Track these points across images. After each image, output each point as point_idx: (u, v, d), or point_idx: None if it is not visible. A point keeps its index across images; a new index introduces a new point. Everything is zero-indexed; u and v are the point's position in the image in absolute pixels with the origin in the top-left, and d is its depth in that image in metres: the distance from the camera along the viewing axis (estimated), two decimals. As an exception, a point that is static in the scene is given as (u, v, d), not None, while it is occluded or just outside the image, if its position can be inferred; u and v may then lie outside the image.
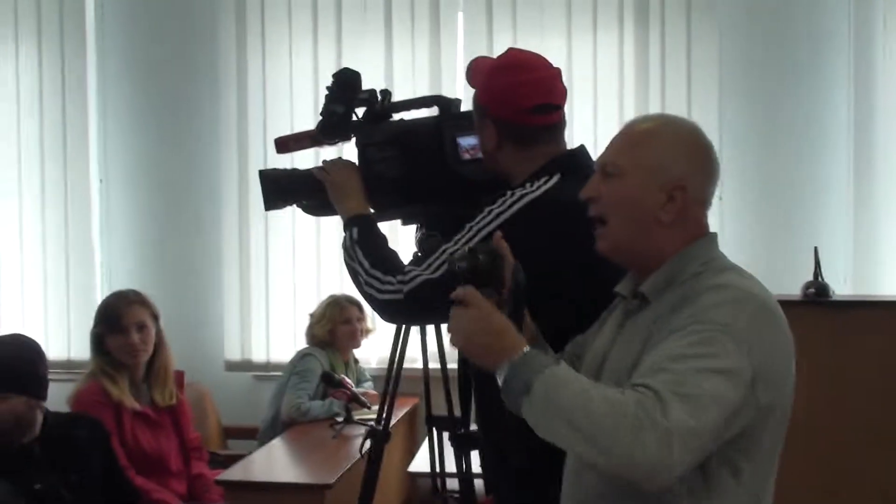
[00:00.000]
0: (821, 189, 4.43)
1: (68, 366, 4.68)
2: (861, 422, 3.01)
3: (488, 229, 1.95)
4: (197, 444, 3.61)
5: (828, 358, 3.00)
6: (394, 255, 2.08)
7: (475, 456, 2.34)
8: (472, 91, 2.09)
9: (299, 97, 4.60)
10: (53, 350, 4.84)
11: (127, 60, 4.91)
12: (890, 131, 4.33)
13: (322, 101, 2.28)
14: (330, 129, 2.27)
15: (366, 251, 2.06)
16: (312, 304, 4.46)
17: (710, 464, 1.42)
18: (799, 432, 2.83)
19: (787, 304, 2.98)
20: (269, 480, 3.20)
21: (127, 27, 4.91)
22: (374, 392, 4.26)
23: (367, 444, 2.59)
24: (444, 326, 2.63)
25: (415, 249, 2.20)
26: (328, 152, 3.50)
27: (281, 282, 4.72)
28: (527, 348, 1.44)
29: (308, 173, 2.28)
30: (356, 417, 3.80)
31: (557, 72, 2.07)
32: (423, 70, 4.63)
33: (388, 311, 2.05)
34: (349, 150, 2.29)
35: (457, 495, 2.66)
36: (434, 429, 2.72)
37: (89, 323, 3.52)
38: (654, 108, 4.44)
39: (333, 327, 4.28)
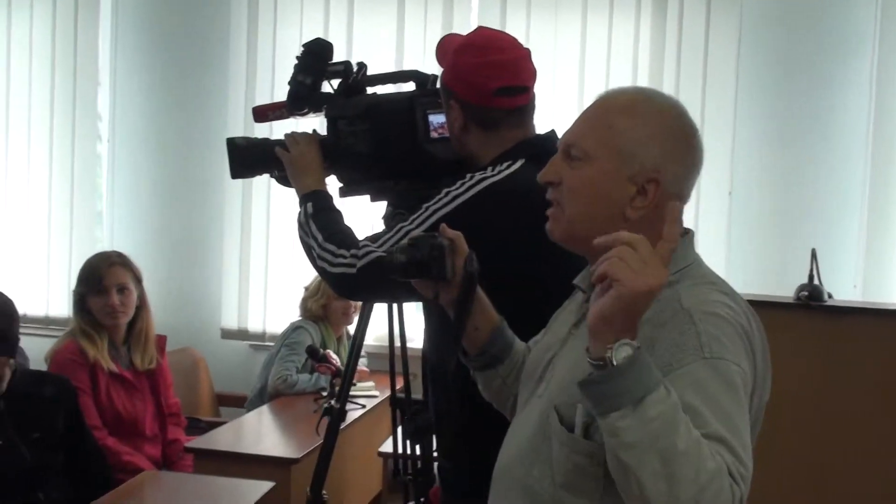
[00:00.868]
0: (834, 191, 4.29)
1: (68, 323, 4.69)
2: (850, 429, 2.90)
3: (444, 211, 1.90)
4: (175, 409, 3.60)
5: (819, 365, 2.90)
6: (348, 230, 2.04)
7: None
8: None
9: (309, 67, 4.54)
10: (55, 307, 4.88)
11: (139, 24, 4.90)
12: (911, 136, 4.18)
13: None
14: (297, 100, 2.22)
15: (320, 225, 2.02)
16: (310, 276, 4.42)
17: None
18: (785, 436, 2.80)
19: (778, 307, 2.93)
20: (236, 451, 3.17)
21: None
22: (365, 369, 4.22)
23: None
24: (406, 306, 2.61)
25: (382, 226, 2.14)
26: (308, 123, 3.45)
27: (281, 252, 4.68)
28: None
29: (275, 144, 2.23)
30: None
31: (526, 52, 1.99)
32: (434, 46, 4.53)
33: (339, 284, 2.00)
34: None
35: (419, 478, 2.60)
36: (398, 410, 2.67)
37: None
38: (667, 98, 4.32)
39: (327, 302, 4.25)
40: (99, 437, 3.16)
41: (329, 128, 2.18)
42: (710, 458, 1.14)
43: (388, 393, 2.86)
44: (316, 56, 2.19)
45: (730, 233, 4.34)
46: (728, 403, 1.22)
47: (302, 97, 2.19)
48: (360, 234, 2.04)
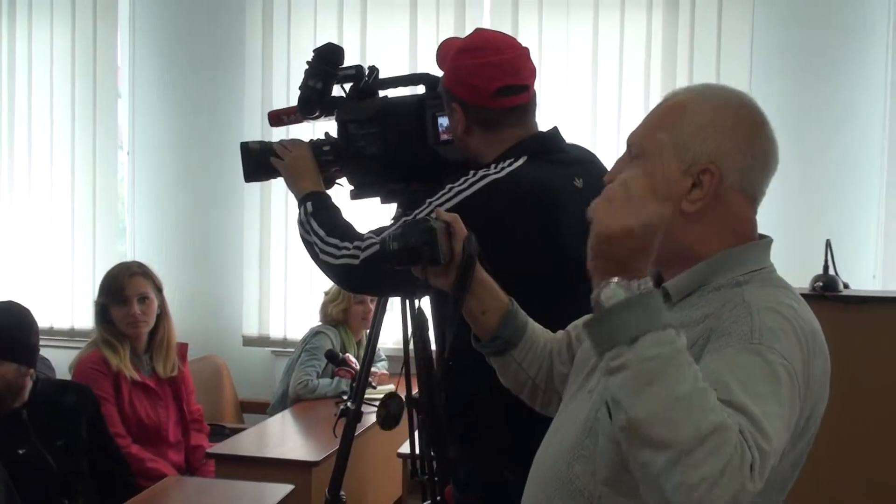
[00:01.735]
0: (852, 182, 4.26)
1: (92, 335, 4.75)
2: (868, 420, 2.88)
3: (446, 206, 1.93)
4: (197, 416, 3.64)
5: (835, 355, 2.88)
6: (349, 224, 2.07)
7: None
8: None
9: (323, 72, 4.58)
10: (80, 319, 4.94)
11: (156, 34, 4.96)
12: (928, 124, 4.14)
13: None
14: (307, 104, 2.25)
15: (320, 222, 2.06)
16: (329, 282, 4.44)
17: None
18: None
19: (793, 297, 2.92)
20: (256, 455, 3.20)
21: (158, 4, 4.95)
22: (385, 372, 4.24)
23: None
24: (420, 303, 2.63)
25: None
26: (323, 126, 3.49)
27: (300, 259, 4.70)
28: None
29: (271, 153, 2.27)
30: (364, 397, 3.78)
31: (525, 51, 2.02)
32: (447, 49, 4.57)
33: (343, 276, 2.03)
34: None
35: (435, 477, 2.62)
36: (414, 411, 2.68)
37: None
38: (681, 93, 4.31)
39: (348, 306, 4.27)
40: (122, 444, 3.21)
41: (340, 131, 2.22)
42: (716, 410, 1.07)
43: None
44: (326, 61, 2.23)
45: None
46: (764, 387, 1.15)
47: (312, 101, 2.23)
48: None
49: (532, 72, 2.02)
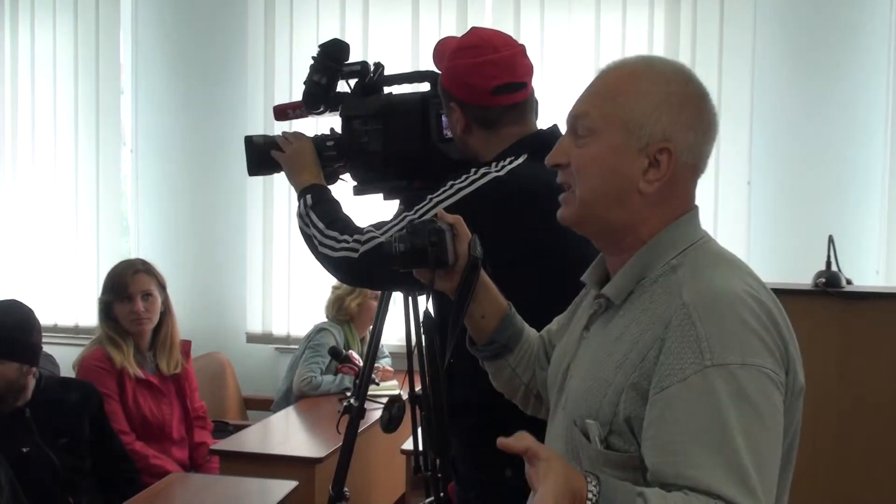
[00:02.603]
0: (854, 178, 4.25)
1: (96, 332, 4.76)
2: (871, 416, 2.88)
3: (448, 203, 1.93)
4: (201, 413, 3.65)
5: (837, 350, 2.89)
6: (349, 218, 2.07)
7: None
8: None
9: (325, 70, 4.58)
10: (83, 316, 4.95)
11: (159, 31, 4.96)
12: (930, 121, 4.13)
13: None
14: (312, 99, 2.26)
15: (320, 215, 2.06)
16: (333, 279, 4.44)
17: None
18: (804, 428, 2.78)
19: (796, 294, 2.93)
20: (260, 452, 3.21)
21: (160, 2, 4.95)
22: (390, 368, 4.25)
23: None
24: (421, 301, 2.63)
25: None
26: (328, 122, 3.49)
27: (303, 256, 4.69)
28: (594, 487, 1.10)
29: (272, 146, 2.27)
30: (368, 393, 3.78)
31: (521, 48, 2.02)
32: (450, 45, 4.56)
33: (341, 268, 2.02)
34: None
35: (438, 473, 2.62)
36: (417, 407, 2.69)
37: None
38: (683, 89, 4.31)
39: (363, 301, 4.27)
40: (126, 441, 3.22)
41: (344, 127, 2.22)
42: None
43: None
44: (331, 56, 2.23)
45: (749, 222, 4.31)
46: (734, 418, 1.12)
47: (317, 96, 2.23)
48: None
49: (529, 69, 2.02)
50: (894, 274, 4.12)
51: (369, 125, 2.18)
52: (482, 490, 2.02)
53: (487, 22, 4.51)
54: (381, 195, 2.31)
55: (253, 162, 2.31)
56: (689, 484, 1.11)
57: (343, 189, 2.29)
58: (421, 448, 2.67)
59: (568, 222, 1.36)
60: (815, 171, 4.27)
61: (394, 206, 2.30)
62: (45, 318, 3.85)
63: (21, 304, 2.89)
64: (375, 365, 4.13)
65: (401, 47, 4.57)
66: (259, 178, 4.75)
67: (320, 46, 2.26)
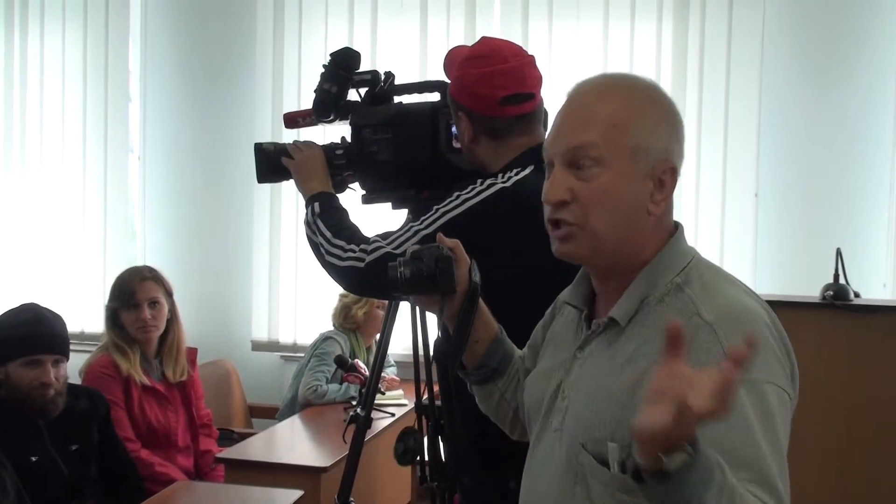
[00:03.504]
0: (862, 190, 4.24)
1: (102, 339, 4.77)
2: (878, 429, 2.87)
3: (454, 213, 1.93)
4: (207, 420, 3.65)
5: (846, 364, 2.88)
6: (356, 227, 2.08)
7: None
8: None
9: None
10: (90, 323, 4.95)
11: (168, 39, 4.98)
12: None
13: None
14: (322, 107, 2.26)
15: (327, 223, 2.06)
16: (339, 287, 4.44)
17: None
18: (812, 440, 2.78)
19: (804, 307, 2.92)
20: (266, 460, 3.21)
21: (169, 9, 4.97)
22: (395, 378, 4.25)
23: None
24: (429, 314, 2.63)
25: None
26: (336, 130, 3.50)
27: (310, 264, 4.68)
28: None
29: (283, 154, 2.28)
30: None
31: (530, 59, 2.02)
32: (457, 56, 4.57)
33: (347, 278, 2.03)
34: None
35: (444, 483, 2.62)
36: (423, 417, 2.68)
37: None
38: (691, 102, 4.32)
39: (370, 310, 4.27)
40: (132, 449, 3.22)
41: (354, 135, 2.23)
42: None
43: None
44: (342, 65, 2.23)
45: (757, 234, 4.31)
46: (763, 436, 1.14)
47: (327, 105, 2.24)
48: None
49: (538, 80, 2.02)
50: (903, 287, 4.12)
51: (379, 134, 2.19)
52: (486, 501, 2.01)
53: (496, 30, 4.52)
54: (389, 204, 2.32)
55: (263, 169, 2.31)
56: (753, 477, 1.11)
57: (351, 198, 2.30)
58: (427, 458, 2.67)
59: (574, 258, 1.32)
60: (823, 184, 4.27)
61: (402, 214, 2.31)
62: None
63: (36, 304, 2.93)
64: (381, 374, 4.17)
65: (409, 55, 4.58)
66: (266, 186, 4.76)
67: (331, 55, 2.27)
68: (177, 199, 4.98)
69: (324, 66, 2.26)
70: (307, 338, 4.61)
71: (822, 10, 4.30)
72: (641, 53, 4.38)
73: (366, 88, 2.26)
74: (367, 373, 3.89)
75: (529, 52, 2.03)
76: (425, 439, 2.45)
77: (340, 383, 4.08)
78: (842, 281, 2.97)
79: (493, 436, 1.76)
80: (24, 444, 2.74)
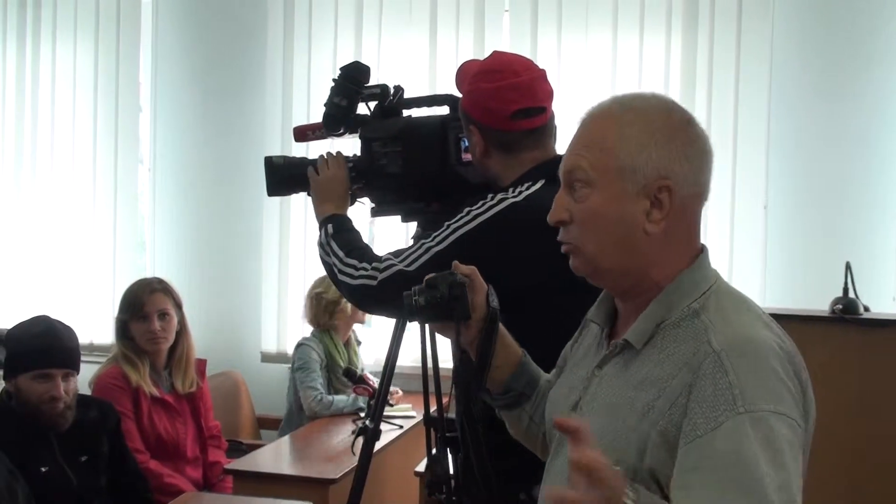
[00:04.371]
0: (871, 203, 4.23)
1: (111, 350, 4.78)
2: (889, 445, 2.86)
3: (465, 229, 1.94)
4: (216, 432, 3.65)
5: (855, 378, 2.87)
6: (368, 246, 2.10)
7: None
8: None
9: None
10: (99, 334, 4.96)
11: (179, 50, 5.01)
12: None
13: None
14: (332, 121, 2.28)
15: (340, 243, 2.08)
16: (306, 288, 4.48)
17: None
18: (820, 455, 2.76)
19: (813, 320, 2.91)
20: (274, 472, 3.21)
21: (180, 23, 5.00)
22: (398, 392, 4.23)
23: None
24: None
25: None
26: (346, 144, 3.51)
27: (319, 276, 4.72)
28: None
29: (311, 164, 2.29)
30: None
31: (542, 73, 2.03)
32: (468, 66, 4.59)
33: (359, 296, 2.04)
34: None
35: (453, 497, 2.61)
36: (432, 429, 2.68)
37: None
38: (700, 114, 4.31)
39: (335, 308, 4.23)
40: (141, 460, 3.23)
41: (363, 149, 2.24)
42: None
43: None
44: (352, 79, 2.25)
45: (766, 247, 4.30)
46: (767, 468, 1.12)
47: (337, 118, 2.25)
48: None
49: (549, 94, 2.03)
50: (913, 301, 4.10)
51: (388, 147, 2.21)
52: None
53: (505, 43, 4.54)
54: (398, 217, 2.33)
55: (273, 182, 2.33)
56: None
57: (362, 211, 2.32)
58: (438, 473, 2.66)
59: (582, 274, 1.36)
60: (832, 197, 4.26)
61: (412, 227, 2.32)
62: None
63: (48, 317, 2.96)
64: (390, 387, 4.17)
65: (418, 68, 4.59)
66: (276, 198, 4.77)
67: (341, 69, 2.28)
68: (187, 211, 5.00)
69: (334, 80, 2.28)
70: (315, 349, 4.62)
71: (832, 22, 4.30)
72: (650, 66, 4.38)
73: (375, 102, 2.27)
74: (375, 384, 3.91)
75: (540, 67, 2.04)
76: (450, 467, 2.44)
77: (348, 396, 4.08)
78: (851, 295, 2.97)
79: (502, 449, 1.76)
80: (34, 455, 2.76)
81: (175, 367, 3.51)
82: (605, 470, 1.05)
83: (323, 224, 2.14)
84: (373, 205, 2.32)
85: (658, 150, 1.27)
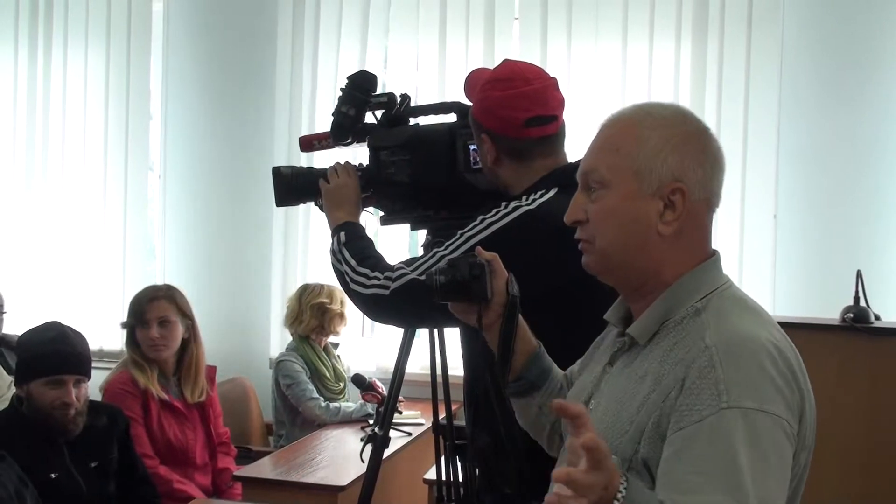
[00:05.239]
0: (882, 212, 4.21)
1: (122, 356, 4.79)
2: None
3: (479, 237, 1.94)
4: (225, 438, 3.66)
5: (866, 387, 2.86)
6: (381, 256, 2.09)
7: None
8: None
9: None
10: (109, 340, 4.96)
11: (189, 58, 5.02)
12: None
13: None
14: (340, 130, 2.28)
15: (352, 252, 2.07)
16: (286, 298, 4.53)
17: None
18: (832, 464, 2.75)
19: (824, 329, 2.90)
20: (283, 479, 3.21)
21: (190, 31, 5.02)
22: (401, 398, 4.23)
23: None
24: (447, 333, 2.63)
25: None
26: (353, 153, 3.51)
27: (328, 282, 4.72)
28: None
29: (319, 174, 2.29)
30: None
31: (553, 81, 2.03)
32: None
33: (372, 305, 2.03)
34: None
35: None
36: (440, 437, 2.69)
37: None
38: (709, 122, 4.22)
39: (305, 319, 4.26)
40: (150, 465, 3.23)
41: (371, 157, 2.24)
42: None
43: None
44: (359, 88, 2.25)
45: (776, 256, 4.29)
46: (747, 462, 1.16)
47: (345, 127, 2.25)
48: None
49: (561, 102, 2.03)
50: (925, 310, 4.08)
51: (396, 156, 2.20)
52: None
53: (514, 50, 4.54)
54: (408, 225, 2.33)
55: (281, 193, 2.32)
56: None
57: (371, 219, 2.32)
58: (444, 477, 2.67)
59: (593, 271, 1.42)
60: (843, 205, 4.24)
61: (421, 235, 2.32)
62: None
63: (59, 323, 2.96)
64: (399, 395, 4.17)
65: (428, 75, 4.60)
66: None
67: (348, 78, 2.28)
68: (196, 218, 5.01)
69: (341, 89, 2.28)
70: (324, 357, 4.62)
71: (842, 31, 4.29)
72: (660, 74, 4.38)
73: (382, 111, 2.27)
74: (383, 391, 3.91)
75: (551, 75, 2.04)
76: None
77: (356, 402, 4.08)
78: (862, 303, 2.96)
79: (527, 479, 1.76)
80: (43, 461, 2.76)
81: (184, 376, 3.51)
82: (606, 452, 1.08)
83: (335, 232, 2.13)
84: (382, 213, 2.32)
85: (673, 154, 1.33)
